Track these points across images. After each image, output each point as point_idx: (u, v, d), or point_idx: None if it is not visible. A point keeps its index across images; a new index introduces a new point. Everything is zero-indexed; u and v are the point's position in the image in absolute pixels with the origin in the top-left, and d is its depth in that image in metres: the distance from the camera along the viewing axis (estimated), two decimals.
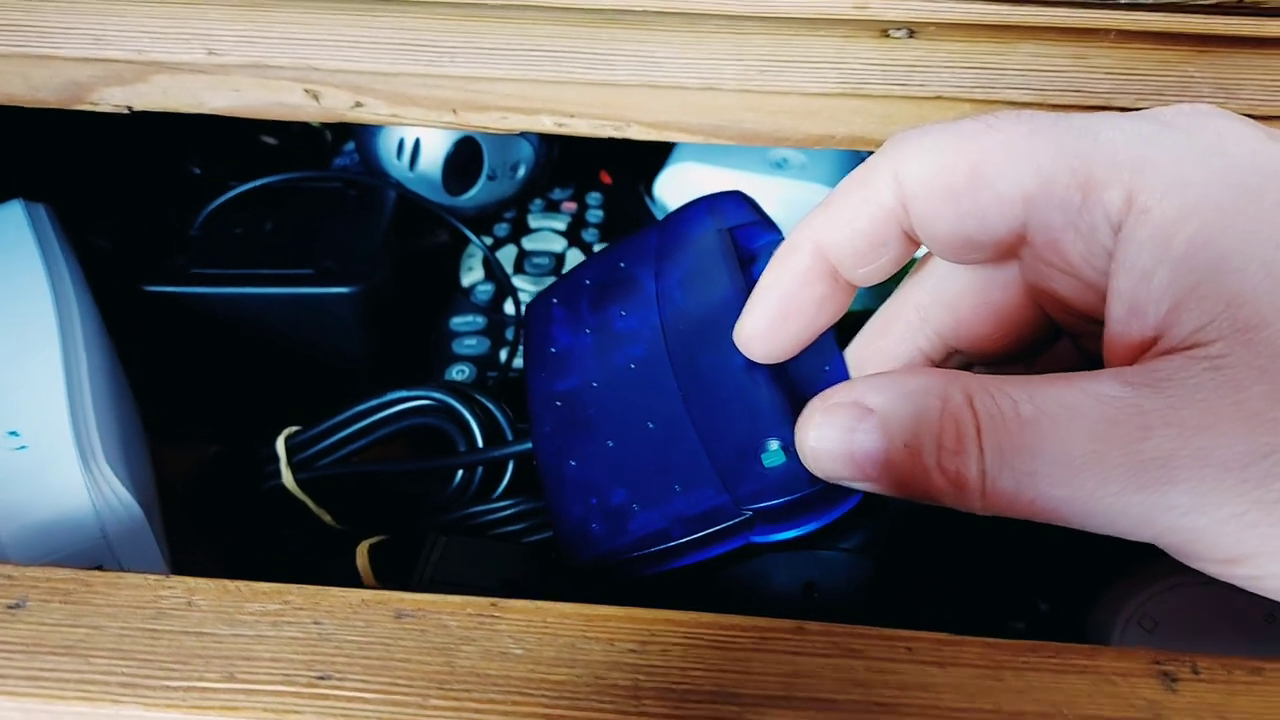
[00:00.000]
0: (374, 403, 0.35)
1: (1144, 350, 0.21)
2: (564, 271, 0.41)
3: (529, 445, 0.32)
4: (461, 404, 0.35)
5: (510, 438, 0.35)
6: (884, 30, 0.29)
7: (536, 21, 0.30)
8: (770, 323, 0.25)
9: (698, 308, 0.28)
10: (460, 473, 0.35)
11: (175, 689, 0.20)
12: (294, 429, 0.36)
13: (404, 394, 0.35)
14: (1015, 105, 0.30)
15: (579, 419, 0.28)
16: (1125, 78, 0.29)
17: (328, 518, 0.35)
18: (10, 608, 0.22)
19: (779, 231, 0.29)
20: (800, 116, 0.31)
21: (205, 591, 0.22)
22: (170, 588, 0.22)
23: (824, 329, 0.26)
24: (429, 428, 0.35)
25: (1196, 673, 0.21)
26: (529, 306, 0.32)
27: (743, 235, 0.29)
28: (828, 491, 0.24)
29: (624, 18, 0.30)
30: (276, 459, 0.35)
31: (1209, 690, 0.20)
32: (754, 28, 0.29)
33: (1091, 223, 0.21)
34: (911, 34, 0.29)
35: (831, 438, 0.22)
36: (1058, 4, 0.28)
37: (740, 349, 0.26)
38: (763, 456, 0.25)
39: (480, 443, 0.34)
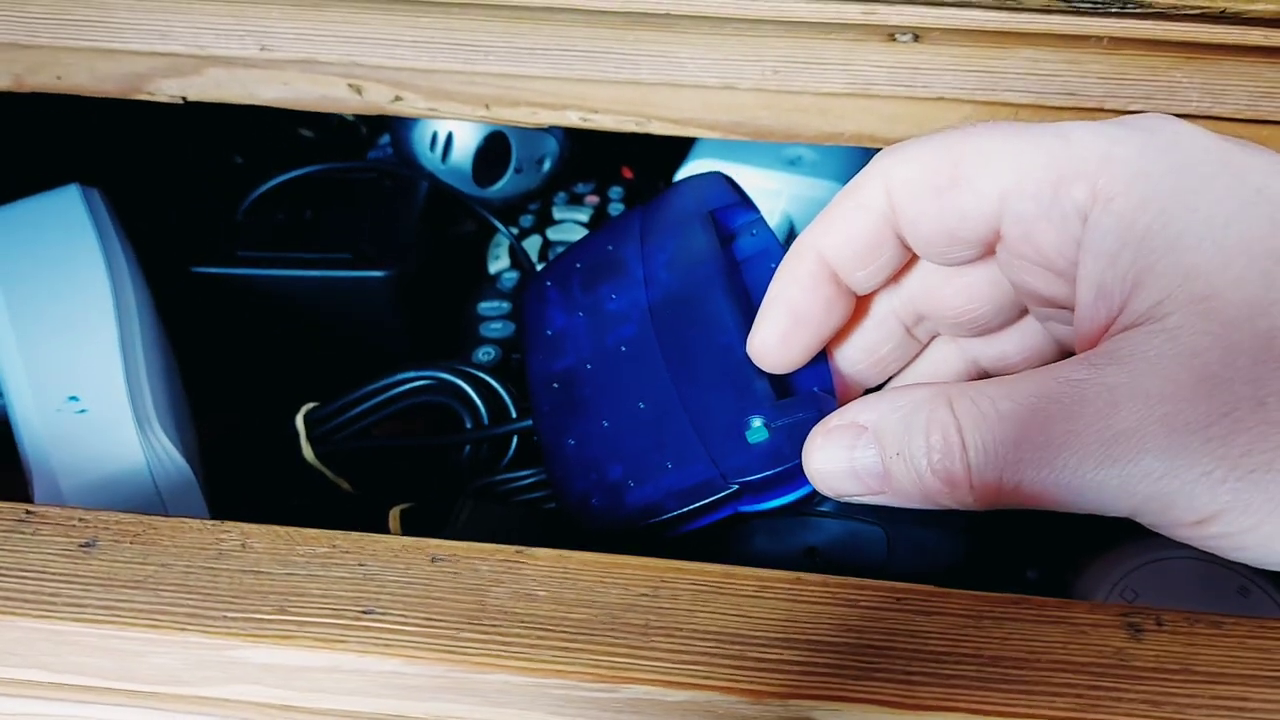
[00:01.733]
0: (383, 382, 0.37)
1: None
2: None
3: (530, 422, 0.34)
4: (466, 383, 0.37)
5: (514, 415, 0.37)
6: (890, 35, 0.31)
7: (571, 23, 0.32)
8: (783, 332, 0.27)
9: (682, 290, 0.30)
10: (468, 447, 0.37)
11: (235, 619, 0.23)
12: (312, 405, 0.38)
13: (410, 374, 0.37)
14: (1013, 108, 0.32)
15: (575, 399, 0.30)
16: (1117, 82, 0.31)
17: (345, 485, 0.38)
18: (83, 546, 0.24)
19: (757, 210, 0.31)
20: (811, 115, 0.33)
21: (259, 535, 0.24)
22: (226, 532, 0.24)
23: (829, 337, 0.27)
24: (445, 404, 0.38)
25: (1161, 625, 0.22)
26: (524, 289, 0.33)
27: (723, 216, 0.31)
28: None
29: (650, 20, 0.32)
30: (297, 433, 0.37)
31: (1172, 640, 0.22)
32: (771, 31, 0.32)
33: (1062, 214, 0.23)
34: (916, 38, 0.31)
35: (835, 457, 0.24)
36: (1053, 11, 0.30)
37: (754, 361, 0.27)
38: (747, 434, 0.27)
39: (485, 419, 0.37)
